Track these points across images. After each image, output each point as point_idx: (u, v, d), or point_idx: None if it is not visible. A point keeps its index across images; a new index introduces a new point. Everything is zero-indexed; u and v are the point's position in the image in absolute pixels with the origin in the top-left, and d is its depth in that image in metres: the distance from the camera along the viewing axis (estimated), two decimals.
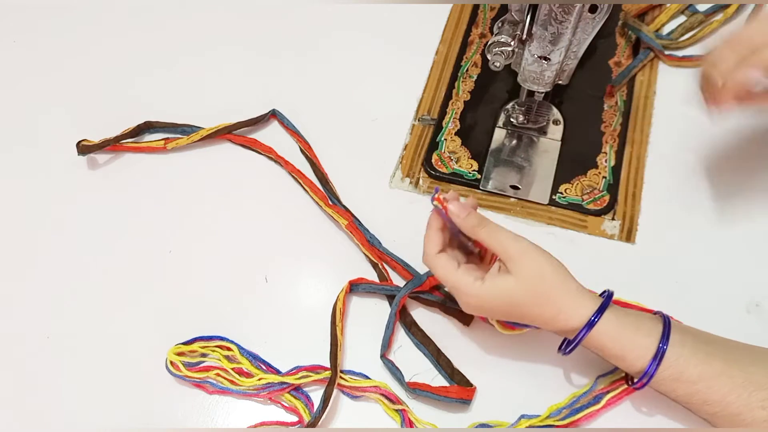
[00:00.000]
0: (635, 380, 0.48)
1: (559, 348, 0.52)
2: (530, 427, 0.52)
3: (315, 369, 0.56)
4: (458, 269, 0.50)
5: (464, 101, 0.69)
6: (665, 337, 0.47)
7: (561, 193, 0.63)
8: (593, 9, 0.53)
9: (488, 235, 0.49)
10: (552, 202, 0.63)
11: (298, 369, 0.56)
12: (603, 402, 0.52)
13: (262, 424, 0.55)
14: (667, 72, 0.69)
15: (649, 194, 0.62)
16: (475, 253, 0.54)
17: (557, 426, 0.52)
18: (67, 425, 0.57)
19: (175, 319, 0.60)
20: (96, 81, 0.75)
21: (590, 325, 0.47)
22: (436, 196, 0.51)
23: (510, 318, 0.51)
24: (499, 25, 0.58)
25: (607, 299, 0.49)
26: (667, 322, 0.48)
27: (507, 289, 0.48)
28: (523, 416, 0.53)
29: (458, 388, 0.54)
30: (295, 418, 0.55)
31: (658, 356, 0.47)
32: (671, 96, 0.68)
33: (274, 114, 0.70)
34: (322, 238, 0.63)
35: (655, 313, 0.51)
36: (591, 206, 0.62)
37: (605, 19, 0.54)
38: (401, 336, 0.58)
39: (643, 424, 0.53)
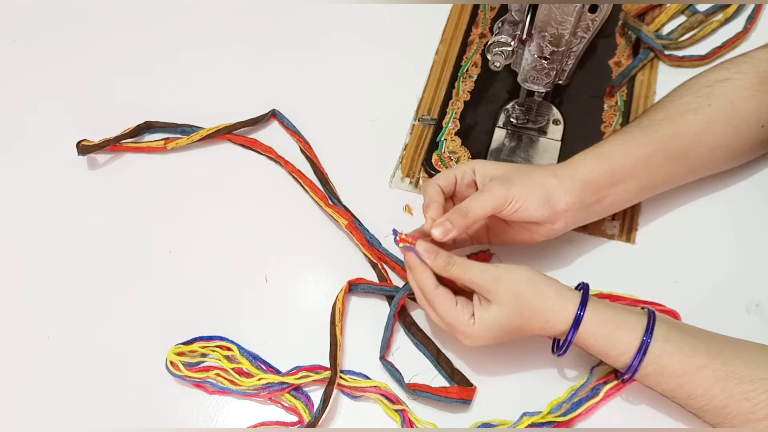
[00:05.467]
0: (622, 374, 0.50)
1: (552, 350, 0.53)
2: (532, 424, 0.52)
3: (315, 369, 0.56)
4: (456, 306, 0.50)
5: (464, 101, 0.69)
6: (648, 333, 0.48)
7: None
8: (593, 9, 0.53)
9: (460, 271, 0.50)
10: None
11: (298, 369, 0.56)
12: (601, 394, 0.52)
13: (262, 424, 0.55)
14: (667, 72, 0.69)
15: None
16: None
17: (558, 423, 0.52)
18: (67, 425, 0.57)
19: (175, 319, 0.60)
20: (96, 81, 0.75)
21: (576, 325, 0.48)
22: (401, 237, 0.51)
23: (506, 340, 0.51)
24: (499, 25, 0.58)
25: (584, 293, 0.49)
26: (651, 317, 0.49)
27: (494, 319, 0.49)
28: (525, 414, 0.53)
29: (458, 389, 0.54)
30: (295, 418, 0.55)
31: (640, 353, 0.47)
32: None
33: (274, 114, 0.70)
34: (322, 238, 0.63)
35: (643, 308, 0.51)
36: None
37: (605, 19, 0.54)
38: (401, 336, 0.58)
39: (642, 419, 0.53)
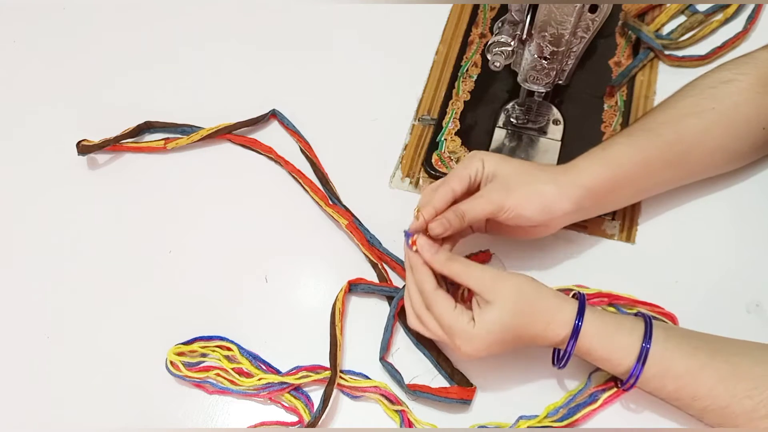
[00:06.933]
0: (624, 381, 0.49)
1: (553, 362, 0.52)
2: (529, 428, 0.52)
3: (315, 369, 0.56)
4: (456, 309, 0.49)
5: (464, 101, 0.69)
6: (648, 334, 0.48)
7: None
8: (593, 9, 0.53)
9: (460, 268, 0.50)
10: None
11: (298, 369, 0.56)
12: (599, 402, 0.52)
13: (262, 424, 0.55)
14: (667, 72, 0.69)
15: None
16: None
17: (555, 426, 0.52)
18: (67, 425, 0.57)
19: (175, 319, 0.60)
20: (96, 81, 0.75)
21: (575, 335, 0.48)
22: (413, 240, 0.51)
23: (506, 348, 0.50)
24: (499, 25, 0.58)
25: (581, 301, 0.49)
26: (648, 322, 0.49)
27: (496, 319, 0.48)
28: (521, 417, 0.53)
29: (458, 389, 0.54)
30: (295, 418, 0.55)
31: (643, 353, 0.47)
32: None
33: (274, 114, 0.70)
34: (322, 238, 0.63)
35: (636, 314, 0.51)
36: None
37: (605, 19, 0.54)
38: (401, 336, 0.58)
39: (639, 423, 0.53)
